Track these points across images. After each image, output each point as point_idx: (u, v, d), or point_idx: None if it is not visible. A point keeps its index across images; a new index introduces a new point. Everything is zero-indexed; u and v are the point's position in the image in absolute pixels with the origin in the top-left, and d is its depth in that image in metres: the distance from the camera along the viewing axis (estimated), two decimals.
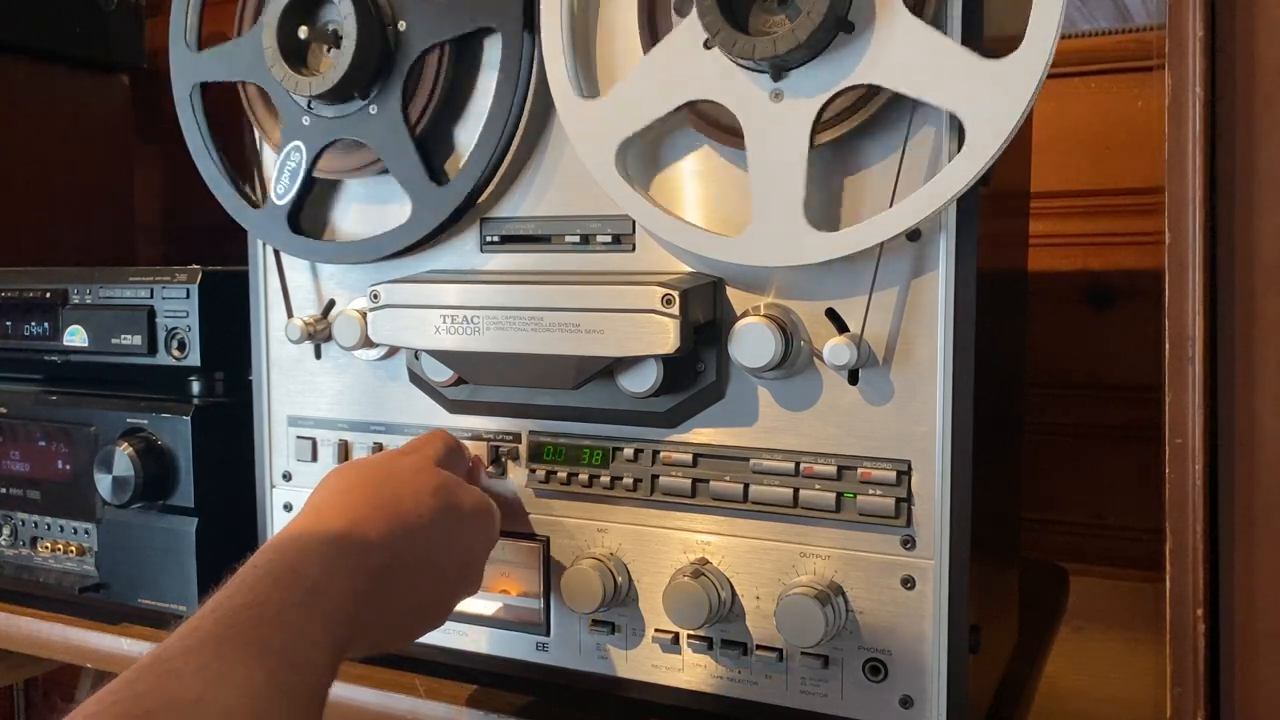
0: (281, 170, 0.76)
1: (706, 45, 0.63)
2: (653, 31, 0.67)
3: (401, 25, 0.72)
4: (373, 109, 0.73)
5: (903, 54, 0.59)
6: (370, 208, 0.78)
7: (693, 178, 0.69)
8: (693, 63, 0.64)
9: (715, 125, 0.66)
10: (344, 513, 0.62)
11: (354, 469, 0.68)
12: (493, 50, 0.72)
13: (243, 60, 0.76)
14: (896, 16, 0.59)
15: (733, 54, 0.61)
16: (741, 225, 0.65)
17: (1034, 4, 0.57)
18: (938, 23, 0.60)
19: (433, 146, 0.74)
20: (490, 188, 0.73)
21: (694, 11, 0.62)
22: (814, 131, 0.62)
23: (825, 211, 0.65)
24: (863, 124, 0.63)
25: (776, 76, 0.62)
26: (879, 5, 0.60)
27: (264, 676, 0.51)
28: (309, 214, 0.79)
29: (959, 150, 0.59)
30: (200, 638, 0.52)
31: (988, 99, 0.58)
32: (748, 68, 0.62)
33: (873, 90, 0.61)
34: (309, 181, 0.76)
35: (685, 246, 0.67)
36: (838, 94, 0.61)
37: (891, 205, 0.62)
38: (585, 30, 0.70)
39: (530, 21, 0.69)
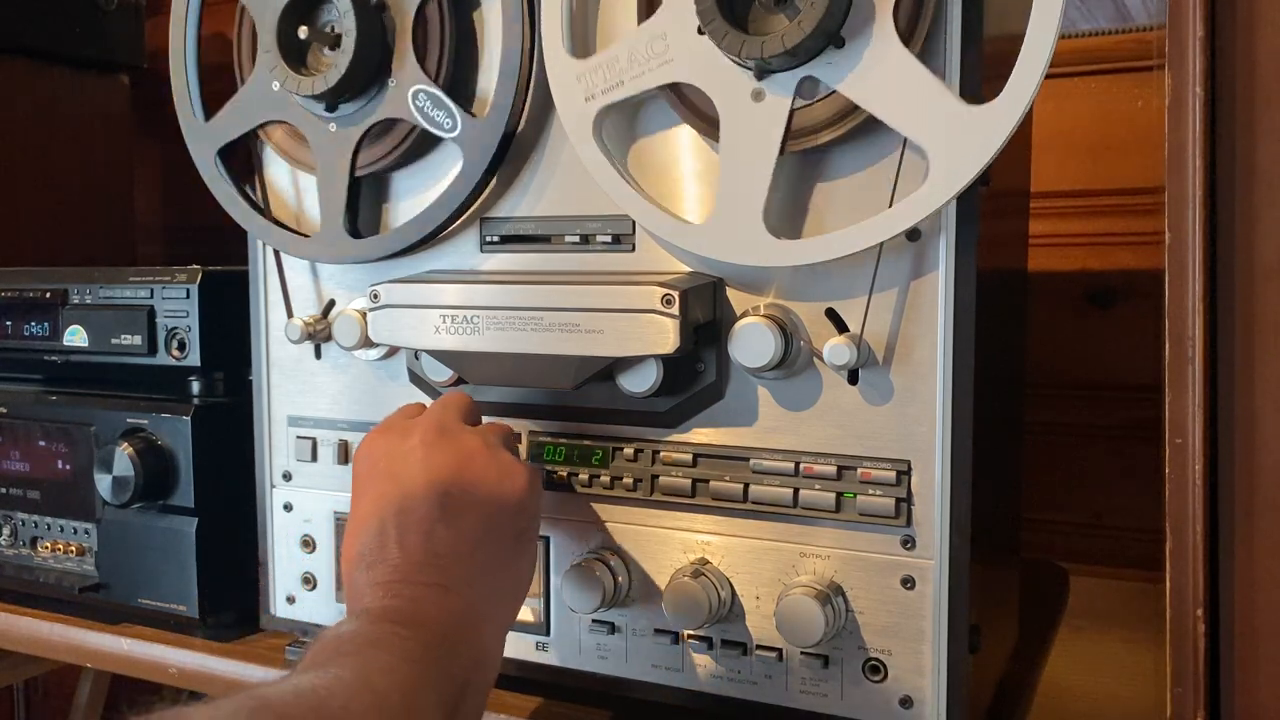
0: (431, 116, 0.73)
1: (699, 31, 0.63)
2: (650, 4, 0.67)
3: (392, 83, 0.72)
4: (393, 82, 0.73)
5: (885, 80, 0.59)
6: (414, 200, 0.77)
7: (668, 158, 0.69)
8: (682, 44, 0.64)
9: (694, 110, 0.66)
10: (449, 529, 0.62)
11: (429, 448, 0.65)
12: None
13: (253, 108, 0.77)
14: (887, 42, 0.59)
15: (721, 46, 0.61)
16: (708, 212, 0.65)
17: (1020, 56, 0.57)
18: (929, 51, 0.61)
19: (368, 187, 0.76)
20: (490, 187, 0.73)
21: None
22: (787, 137, 0.62)
23: (787, 218, 0.65)
24: (842, 135, 0.63)
25: (760, 76, 0.62)
26: (874, 27, 0.60)
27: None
28: (364, 219, 0.78)
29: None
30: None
31: (957, 142, 0.58)
32: (735, 62, 0.62)
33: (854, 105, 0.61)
34: (356, 185, 0.76)
35: (648, 226, 0.67)
36: (812, 104, 0.61)
37: (891, 205, 0.62)
38: None
39: (500, 158, 0.70)
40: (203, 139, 0.79)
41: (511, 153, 0.72)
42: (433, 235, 0.74)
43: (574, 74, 0.67)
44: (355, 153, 0.74)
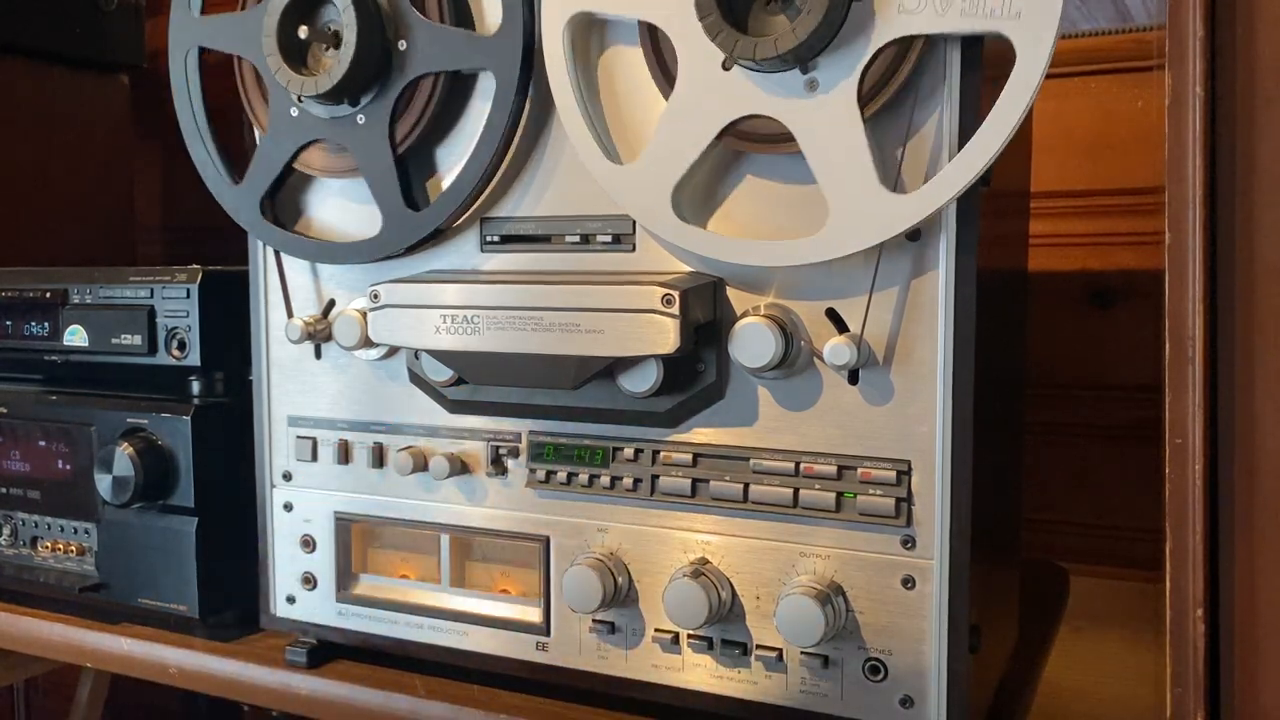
0: None
1: (725, 66, 0.63)
2: (666, 74, 0.67)
3: (402, 45, 0.72)
4: (360, 118, 0.73)
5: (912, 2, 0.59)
6: (350, 205, 0.78)
7: (743, 202, 0.68)
8: (717, 86, 0.64)
9: (757, 138, 0.65)
10: None
11: None
12: (487, 81, 0.72)
13: (244, 34, 0.76)
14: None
15: (756, 60, 0.61)
16: (796, 232, 0.64)
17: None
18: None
19: (414, 166, 0.75)
20: (490, 187, 0.73)
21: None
22: (862, 105, 0.61)
23: (894, 177, 0.63)
24: (904, 82, 0.62)
25: (805, 69, 0.62)
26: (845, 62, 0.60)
27: None
28: (285, 202, 0.79)
29: (959, 148, 0.59)
30: None
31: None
32: (772, 70, 0.62)
33: (903, 45, 0.61)
34: (287, 171, 0.77)
35: (767, 263, 0.65)
36: (871, 61, 0.60)
37: (891, 205, 0.62)
38: (592, 95, 0.70)
39: (527, 72, 0.69)
40: (241, 200, 0.79)
41: (512, 153, 0.72)
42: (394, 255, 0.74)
43: (630, 178, 0.67)
44: (391, 132, 0.74)
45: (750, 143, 0.65)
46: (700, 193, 0.68)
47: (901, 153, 0.63)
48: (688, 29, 0.63)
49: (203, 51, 0.79)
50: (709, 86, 0.64)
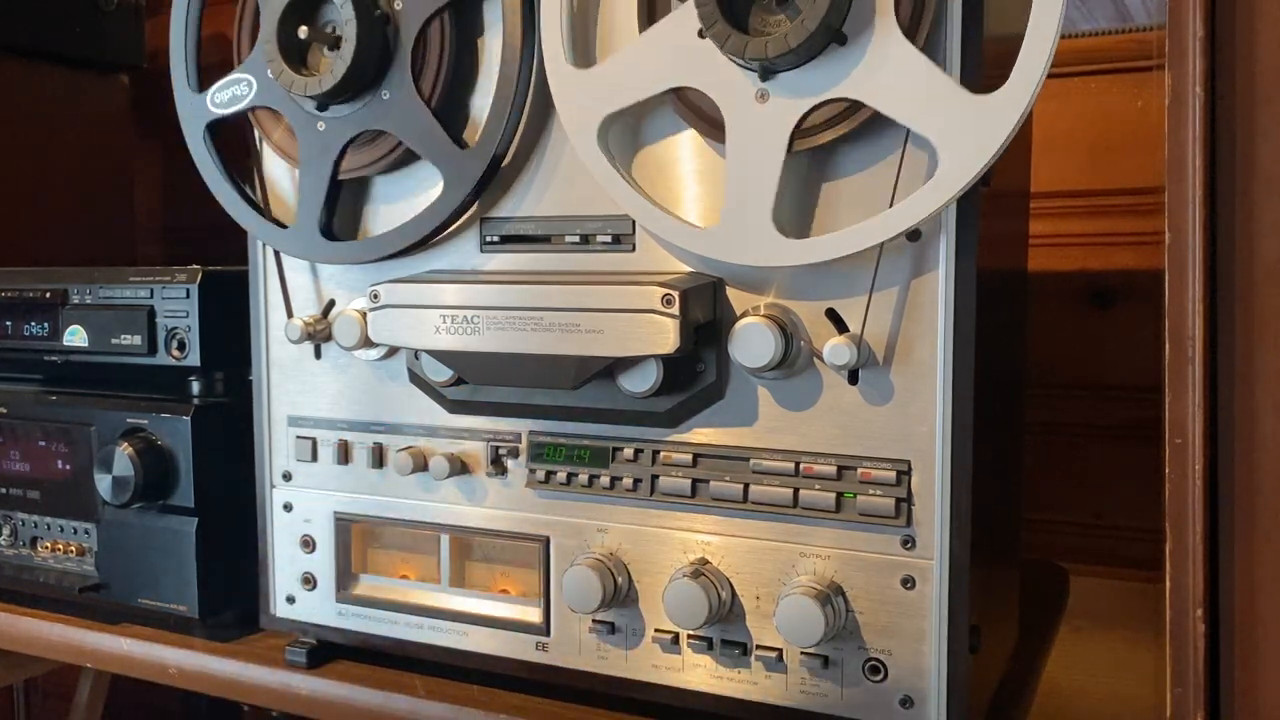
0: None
1: (700, 34, 0.63)
2: (650, 12, 0.67)
3: (398, 4, 0.72)
4: (386, 94, 0.73)
5: (890, 75, 0.60)
6: (394, 206, 0.78)
7: (672, 162, 0.69)
8: (684, 49, 0.64)
9: (699, 114, 0.66)
10: None
11: None
12: (493, 10, 0.72)
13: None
14: (890, 37, 0.59)
15: (724, 49, 0.61)
16: (716, 215, 0.65)
17: (1024, 44, 0.57)
18: (931, 46, 0.61)
19: (450, 117, 0.74)
20: (490, 187, 0.73)
21: None
22: (794, 137, 0.62)
23: (797, 217, 0.65)
24: (846, 134, 0.63)
25: (764, 77, 0.62)
26: (876, 23, 0.60)
27: None
28: (340, 222, 0.78)
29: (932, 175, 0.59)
30: None
31: (966, 133, 0.58)
32: (738, 64, 0.62)
33: (860, 103, 0.62)
34: (336, 186, 0.76)
35: (656, 231, 0.67)
36: (821, 103, 0.61)
37: (891, 206, 0.62)
38: (585, 3, 0.69)
39: None
40: (194, 110, 0.79)
41: (512, 153, 0.72)
42: (424, 241, 0.74)
43: (577, 84, 0.67)
44: (340, 157, 0.75)
45: (692, 114, 0.66)
46: (629, 133, 0.69)
47: (902, 153, 0.63)
48: None
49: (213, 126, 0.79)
50: (679, 43, 0.64)
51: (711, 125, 0.66)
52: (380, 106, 0.73)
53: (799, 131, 0.62)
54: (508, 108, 0.70)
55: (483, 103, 0.73)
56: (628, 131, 0.70)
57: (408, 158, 0.75)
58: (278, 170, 0.81)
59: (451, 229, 0.74)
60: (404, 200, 0.77)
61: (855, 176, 0.64)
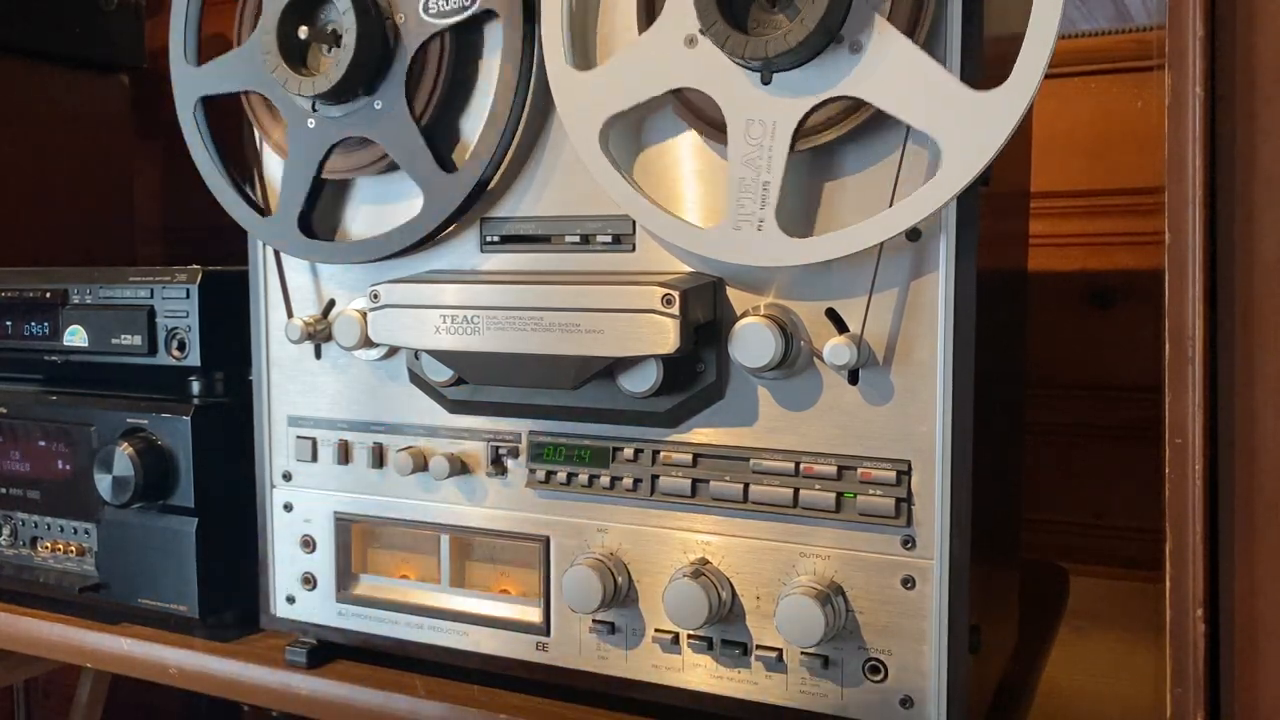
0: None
1: (700, 32, 0.63)
2: (649, 13, 0.67)
3: (400, 17, 0.72)
4: (378, 104, 0.73)
5: (891, 73, 0.60)
6: (379, 208, 0.78)
7: (672, 163, 0.69)
8: (684, 50, 0.64)
9: (699, 116, 0.66)
10: None
11: None
12: (494, 35, 0.72)
13: (243, 70, 0.76)
14: (889, 34, 0.59)
15: (724, 50, 0.61)
16: (716, 215, 0.65)
17: (1025, 41, 0.57)
18: (931, 44, 0.61)
19: (440, 137, 0.74)
20: (491, 185, 0.73)
21: None
22: (795, 137, 0.62)
23: (800, 217, 0.65)
24: (847, 134, 0.63)
25: (766, 78, 0.62)
26: (876, 21, 0.60)
27: None
28: (320, 217, 0.78)
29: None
30: None
31: (967, 129, 0.58)
32: (738, 64, 0.62)
33: (860, 102, 0.61)
34: (319, 184, 0.76)
35: (656, 231, 0.67)
36: (822, 103, 0.61)
37: (891, 205, 0.62)
38: (585, 5, 0.69)
39: (530, 3, 0.69)
40: (188, 83, 0.79)
41: (512, 153, 0.72)
42: (444, 226, 0.74)
43: (578, 86, 0.67)
44: (325, 157, 0.75)
45: (693, 116, 0.66)
46: (631, 135, 0.69)
47: (901, 152, 0.63)
48: None
49: (207, 101, 0.79)
50: (679, 44, 0.64)
51: (712, 126, 0.66)
52: (371, 115, 0.73)
53: (800, 131, 0.62)
54: (498, 136, 0.70)
55: (474, 125, 0.73)
56: (629, 132, 0.70)
57: (395, 165, 0.75)
58: (279, 171, 0.81)
59: (451, 229, 0.74)
60: (388, 204, 0.77)
61: (856, 176, 0.64)
